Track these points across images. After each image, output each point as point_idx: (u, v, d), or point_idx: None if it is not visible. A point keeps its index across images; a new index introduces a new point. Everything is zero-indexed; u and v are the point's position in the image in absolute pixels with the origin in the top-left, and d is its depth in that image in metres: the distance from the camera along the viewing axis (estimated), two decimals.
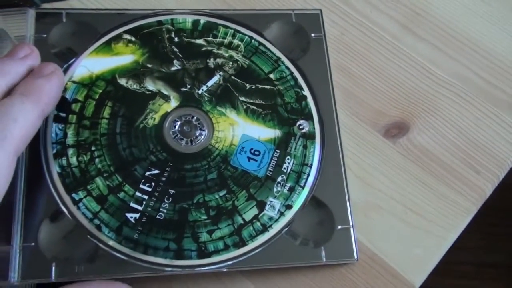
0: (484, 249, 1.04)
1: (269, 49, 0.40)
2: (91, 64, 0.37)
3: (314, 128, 0.38)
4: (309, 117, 0.38)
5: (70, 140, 0.35)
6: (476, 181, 0.39)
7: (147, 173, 0.35)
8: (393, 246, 0.37)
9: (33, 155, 0.34)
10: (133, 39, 0.38)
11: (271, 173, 0.36)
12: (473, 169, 0.39)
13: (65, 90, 0.36)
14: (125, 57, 0.38)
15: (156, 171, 0.35)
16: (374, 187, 0.38)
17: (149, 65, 0.38)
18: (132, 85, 0.37)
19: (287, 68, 0.39)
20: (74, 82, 0.36)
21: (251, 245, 0.34)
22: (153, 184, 0.34)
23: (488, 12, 0.45)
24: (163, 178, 0.35)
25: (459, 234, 0.38)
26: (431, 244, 0.37)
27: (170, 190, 0.34)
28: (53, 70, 0.31)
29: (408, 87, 0.42)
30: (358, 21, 0.44)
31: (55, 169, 0.34)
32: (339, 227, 0.35)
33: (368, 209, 0.37)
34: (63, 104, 0.36)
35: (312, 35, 0.41)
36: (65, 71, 0.36)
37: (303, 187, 0.36)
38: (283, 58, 0.39)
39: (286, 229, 0.35)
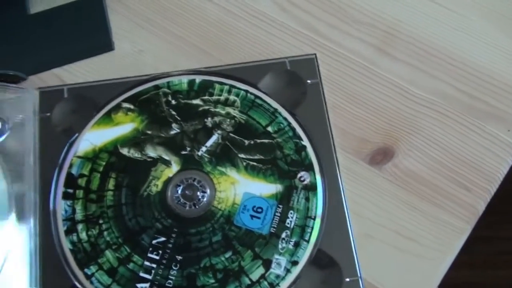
0: None
1: (265, 101, 0.40)
2: (93, 137, 0.38)
3: (315, 178, 0.38)
4: (309, 168, 0.38)
5: (79, 215, 0.36)
6: (467, 199, 0.38)
7: (154, 241, 0.36)
8: (389, 275, 0.36)
9: (46, 232, 0.36)
10: (132, 107, 0.39)
11: (275, 229, 0.36)
12: (462, 187, 0.39)
13: (71, 166, 0.37)
14: (125, 126, 0.39)
15: (163, 239, 0.36)
16: (363, 216, 0.38)
17: (149, 132, 0.39)
18: (133, 153, 0.38)
19: (285, 119, 0.39)
20: (79, 157, 0.38)
21: None
22: (160, 252, 0.35)
23: (463, 24, 0.44)
24: (170, 245, 0.36)
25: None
26: (427, 269, 0.36)
27: (177, 257, 0.35)
28: None
29: (389, 111, 0.41)
30: (331, 50, 0.43)
31: (67, 246, 0.35)
32: (347, 279, 0.35)
33: (360, 239, 0.37)
34: (70, 180, 0.37)
35: (308, 81, 0.41)
36: (69, 147, 0.38)
37: (308, 241, 0.36)
38: (280, 109, 0.40)
39: (293, 286, 0.35)
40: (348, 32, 0.44)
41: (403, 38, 0.44)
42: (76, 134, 0.38)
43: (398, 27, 0.44)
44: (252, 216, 0.37)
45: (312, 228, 0.36)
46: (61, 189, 0.37)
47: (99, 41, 0.44)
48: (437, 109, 0.41)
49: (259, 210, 0.37)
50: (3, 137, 0.38)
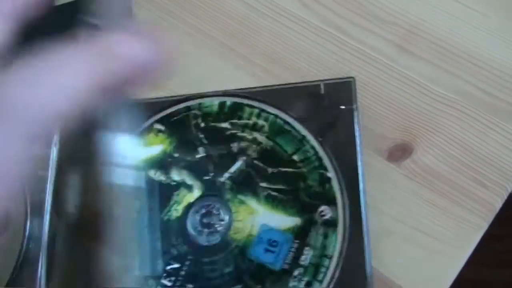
0: None
1: (294, 128, 0.38)
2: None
3: (337, 214, 0.36)
4: (332, 202, 0.36)
5: None
6: (484, 196, 0.37)
7: (168, 267, 0.36)
8: (407, 270, 0.36)
9: None
10: (163, 128, 0.40)
11: (288, 265, 0.35)
12: (480, 184, 0.38)
13: None
14: (154, 147, 0.40)
15: (176, 265, 0.36)
16: (382, 212, 0.37)
17: (176, 155, 0.39)
18: (159, 176, 0.39)
19: (312, 147, 0.38)
20: None
21: None
22: (173, 278, 0.36)
23: (484, 22, 0.42)
24: (183, 272, 0.36)
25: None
26: (445, 264, 0.36)
27: (188, 285, 0.36)
28: None
29: (408, 108, 0.40)
30: (353, 47, 0.43)
31: None
32: None
33: (379, 235, 0.36)
34: None
35: (342, 107, 0.38)
36: None
37: (321, 282, 0.34)
38: (309, 137, 0.38)
39: None
40: (371, 30, 0.43)
41: (425, 37, 0.42)
42: None
43: (420, 25, 0.43)
44: (266, 250, 0.36)
45: (327, 268, 0.35)
46: None
47: None
48: (457, 107, 0.40)
49: (274, 243, 0.36)
50: None
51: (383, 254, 0.36)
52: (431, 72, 0.41)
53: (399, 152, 0.39)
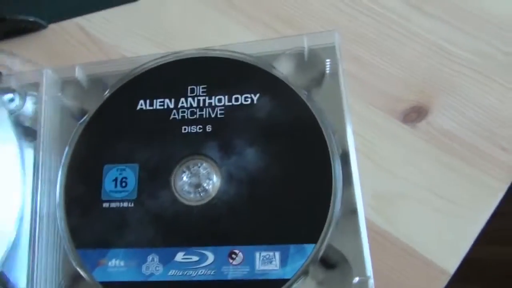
0: None
1: None
2: None
3: None
4: None
5: None
6: (503, 158, 0.37)
7: None
8: (423, 234, 0.35)
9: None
10: None
11: None
12: (499, 146, 0.37)
13: None
14: None
15: None
16: (397, 175, 0.37)
17: None
18: None
19: None
20: None
21: None
22: None
23: None
24: None
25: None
26: (462, 228, 0.35)
27: None
28: None
29: (423, 69, 0.40)
30: (365, 6, 0.42)
31: None
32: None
33: (394, 198, 0.36)
34: None
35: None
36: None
37: None
38: None
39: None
40: None
41: None
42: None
43: None
44: None
45: None
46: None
47: None
48: (474, 68, 0.39)
49: None
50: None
51: (398, 218, 0.35)
52: (446, 32, 0.41)
53: (414, 114, 0.38)
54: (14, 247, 0.33)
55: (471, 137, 0.38)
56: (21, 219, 0.33)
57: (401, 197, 0.36)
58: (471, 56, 0.40)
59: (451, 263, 0.34)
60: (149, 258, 0.32)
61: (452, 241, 0.35)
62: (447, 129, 0.38)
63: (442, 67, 0.40)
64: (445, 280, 0.34)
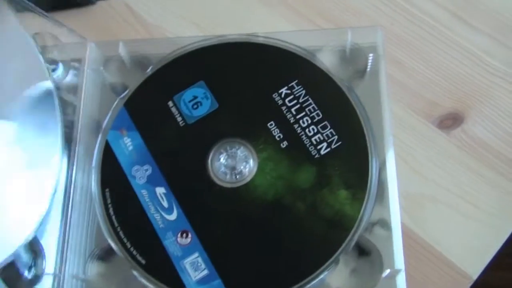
0: None
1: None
2: None
3: None
4: None
5: None
6: None
7: None
8: (449, 237, 0.36)
9: None
10: None
11: None
12: None
13: None
14: None
15: None
16: (429, 178, 0.37)
17: None
18: None
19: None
20: None
21: None
22: None
23: None
24: None
25: None
26: (488, 235, 0.36)
27: None
28: None
29: (462, 78, 0.40)
30: (406, 10, 0.43)
31: None
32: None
33: (424, 201, 0.37)
34: None
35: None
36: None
37: None
38: None
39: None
40: None
41: (482, 8, 0.42)
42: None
43: None
44: None
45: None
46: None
47: None
48: (510, 81, 0.40)
49: None
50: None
51: (426, 220, 0.36)
52: (487, 44, 0.41)
53: (450, 121, 0.39)
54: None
55: (503, 148, 0.38)
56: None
57: (431, 200, 0.37)
58: (508, 68, 0.40)
59: (475, 269, 0.35)
60: None
61: (477, 247, 0.35)
62: (481, 138, 0.38)
63: (480, 77, 0.40)
64: (468, 284, 0.35)
